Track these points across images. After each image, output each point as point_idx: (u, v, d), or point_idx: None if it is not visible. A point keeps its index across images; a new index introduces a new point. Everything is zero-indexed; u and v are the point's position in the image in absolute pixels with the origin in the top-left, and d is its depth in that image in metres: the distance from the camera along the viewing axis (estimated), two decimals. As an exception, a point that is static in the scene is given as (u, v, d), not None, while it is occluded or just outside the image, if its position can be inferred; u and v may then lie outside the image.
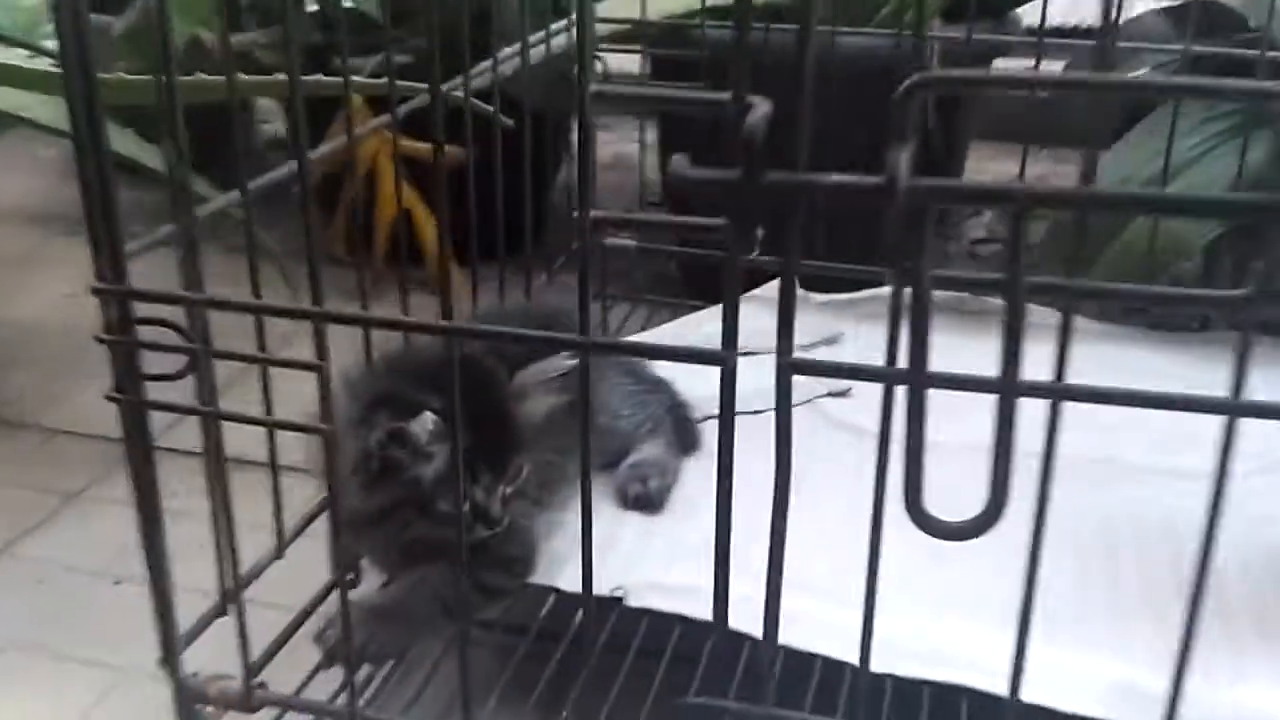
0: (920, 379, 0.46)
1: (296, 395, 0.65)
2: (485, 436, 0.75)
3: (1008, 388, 0.45)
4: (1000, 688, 0.56)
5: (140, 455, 0.63)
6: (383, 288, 1.09)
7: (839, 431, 1.04)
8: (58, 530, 1.10)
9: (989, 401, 0.46)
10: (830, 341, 1.20)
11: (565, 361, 0.80)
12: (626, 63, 1.42)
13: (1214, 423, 0.47)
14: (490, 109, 1.03)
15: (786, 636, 0.61)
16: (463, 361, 0.77)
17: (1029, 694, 0.57)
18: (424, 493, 0.74)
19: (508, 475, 0.77)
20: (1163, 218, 1.08)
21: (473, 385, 0.75)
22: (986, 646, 0.74)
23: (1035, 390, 0.46)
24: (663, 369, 1.03)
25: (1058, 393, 0.48)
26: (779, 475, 0.54)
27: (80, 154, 0.58)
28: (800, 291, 1.29)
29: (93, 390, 1.27)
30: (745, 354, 1.14)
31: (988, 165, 1.91)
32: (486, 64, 1.03)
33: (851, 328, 1.22)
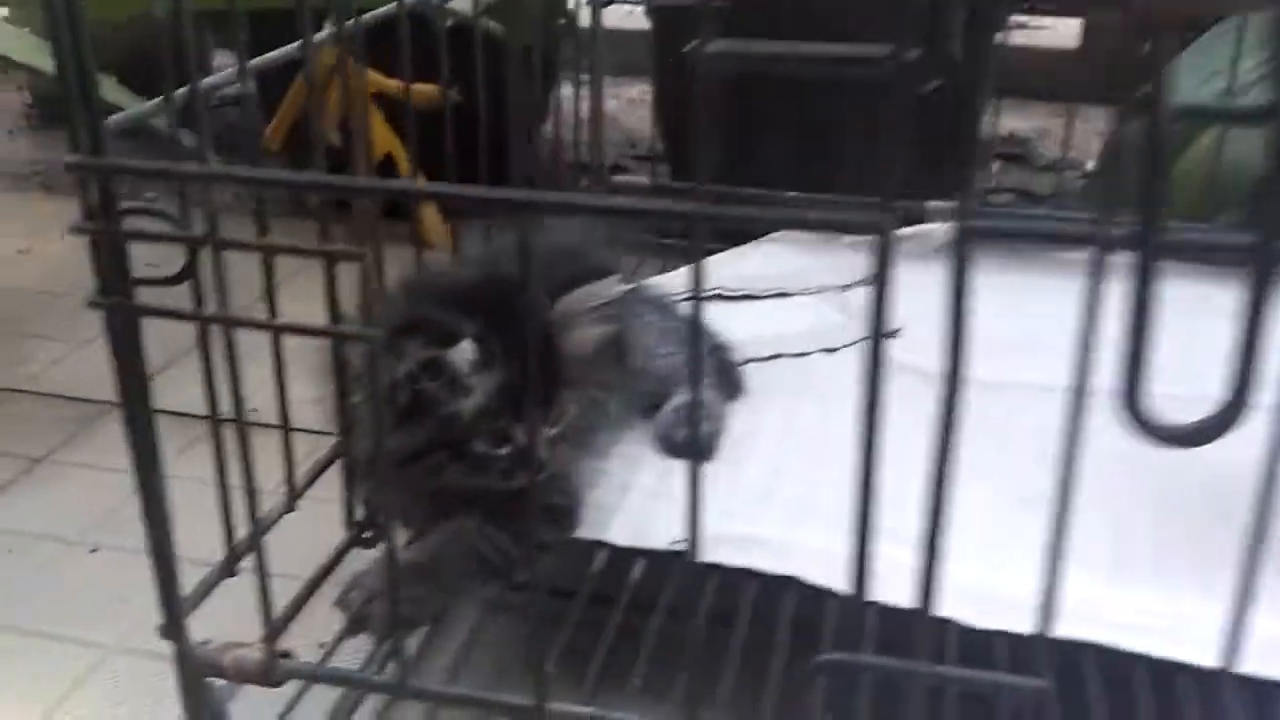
0: (1154, 242, 0.37)
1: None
2: (528, 370, 0.65)
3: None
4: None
5: (132, 375, 0.52)
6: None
7: (898, 374, 0.95)
8: (24, 497, 0.98)
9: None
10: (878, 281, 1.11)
11: (612, 288, 0.70)
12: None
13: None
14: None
15: (891, 594, 0.52)
16: (501, 285, 0.68)
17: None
18: (460, 432, 0.64)
19: (553, 414, 0.67)
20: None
21: (513, 312, 0.65)
22: (1110, 599, 0.66)
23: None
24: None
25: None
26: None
27: (55, 23, 0.48)
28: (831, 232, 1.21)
29: (53, 350, 1.15)
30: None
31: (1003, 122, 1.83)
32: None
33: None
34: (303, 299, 0.59)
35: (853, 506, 0.46)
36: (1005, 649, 0.61)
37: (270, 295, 0.60)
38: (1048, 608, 0.46)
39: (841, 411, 0.48)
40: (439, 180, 0.62)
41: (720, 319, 0.94)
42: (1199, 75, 1.10)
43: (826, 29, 0.52)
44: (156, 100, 0.57)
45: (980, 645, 0.61)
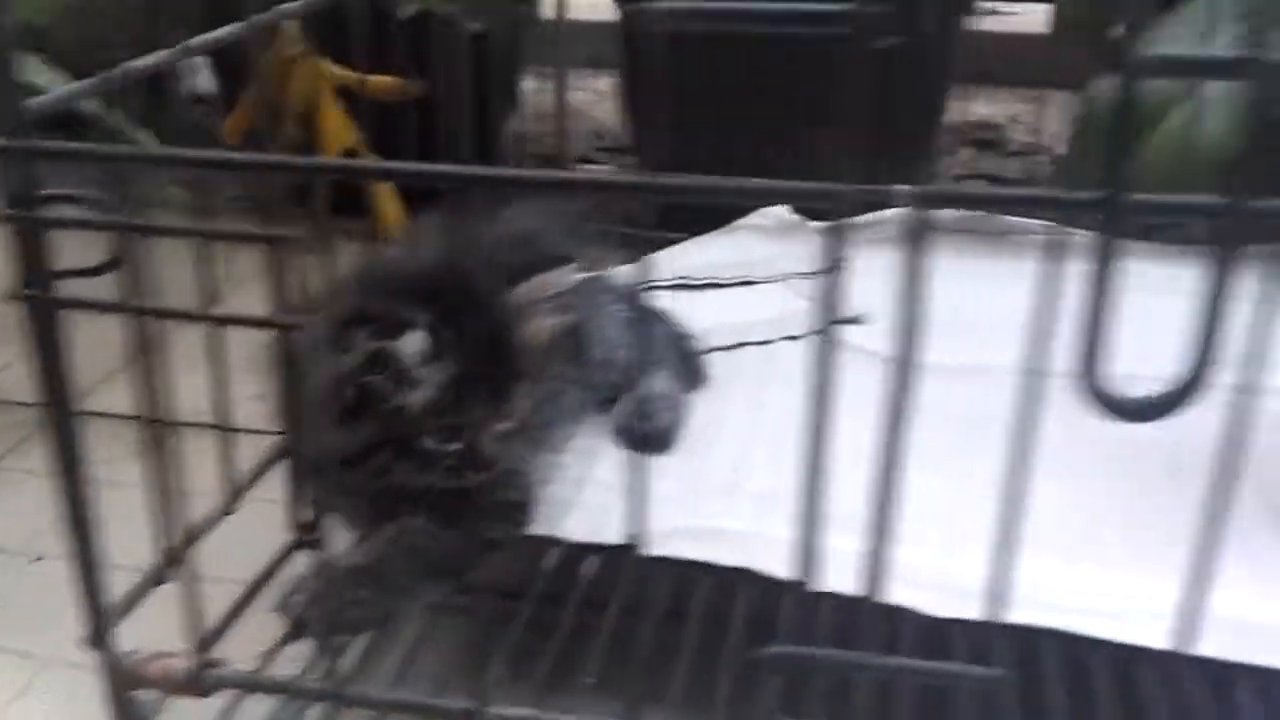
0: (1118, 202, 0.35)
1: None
2: (481, 362, 0.62)
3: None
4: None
5: (53, 372, 0.49)
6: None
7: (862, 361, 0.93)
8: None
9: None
10: (834, 268, 1.09)
11: (570, 276, 0.68)
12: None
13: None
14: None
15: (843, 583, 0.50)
16: (456, 273, 0.66)
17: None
18: (408, 427, 0.61)
19: (506, 408, 0.65)
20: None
21: (467, 301, 0.63)
22: (1069, 584, 0.64)
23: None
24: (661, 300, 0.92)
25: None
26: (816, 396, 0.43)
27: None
28: (796, 218, 1.19)
29: (3, 354, 1.12)
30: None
31: (967, 108, 1.82)
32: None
33: (853, 253, 1.12)
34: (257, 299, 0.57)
35: (800, 494, 0.44)
36: (965, 638, 0.59)
37: (208, 286, 0.57)
38: (999, 593, 0.44)
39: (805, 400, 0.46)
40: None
41: (684, 308, 0.92)
42: (1180, 46, 1.09)
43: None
44: (86, 82, 0.54)
45: (941, 634, 0.59)
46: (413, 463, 0.62)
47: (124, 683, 0.52)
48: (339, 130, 1.28)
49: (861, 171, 0.43)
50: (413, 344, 0.59)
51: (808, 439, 0.45)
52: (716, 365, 0.89)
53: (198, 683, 0.51)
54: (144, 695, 0.53)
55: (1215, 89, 1.02)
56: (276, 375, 0.61)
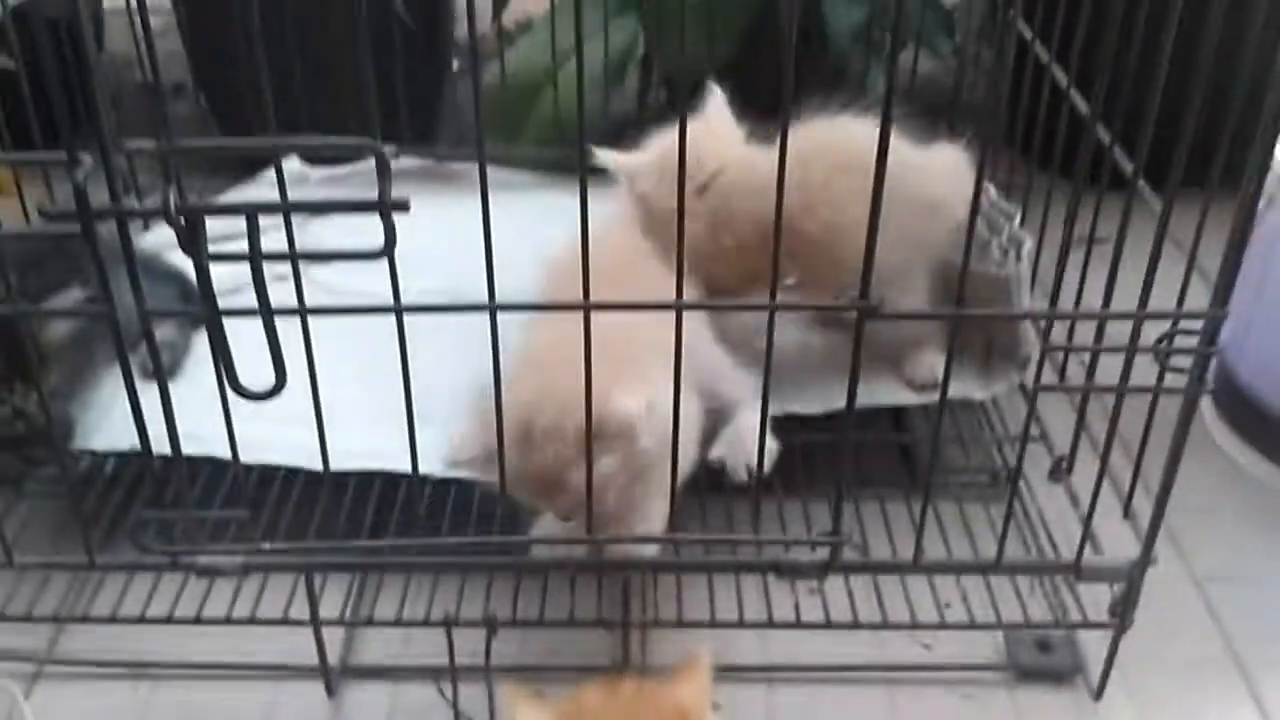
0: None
1: None
2: (17, 355, 1.03)
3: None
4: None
5: None
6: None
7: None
8: None
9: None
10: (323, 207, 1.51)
11: (75, 293, 1.09)
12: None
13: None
14: None
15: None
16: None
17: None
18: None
19: (37, 383, 1.06)
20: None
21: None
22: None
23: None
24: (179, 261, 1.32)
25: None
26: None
27: None
28: (302, 168, 1.59)
29: None
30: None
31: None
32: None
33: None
34: None
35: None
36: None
37: None
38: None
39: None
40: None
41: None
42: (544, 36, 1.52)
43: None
44: None
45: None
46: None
47: None
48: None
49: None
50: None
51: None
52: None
53: None
54: None
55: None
56: None
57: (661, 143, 1.17)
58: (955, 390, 1.21)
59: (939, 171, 1.13)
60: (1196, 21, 0.78)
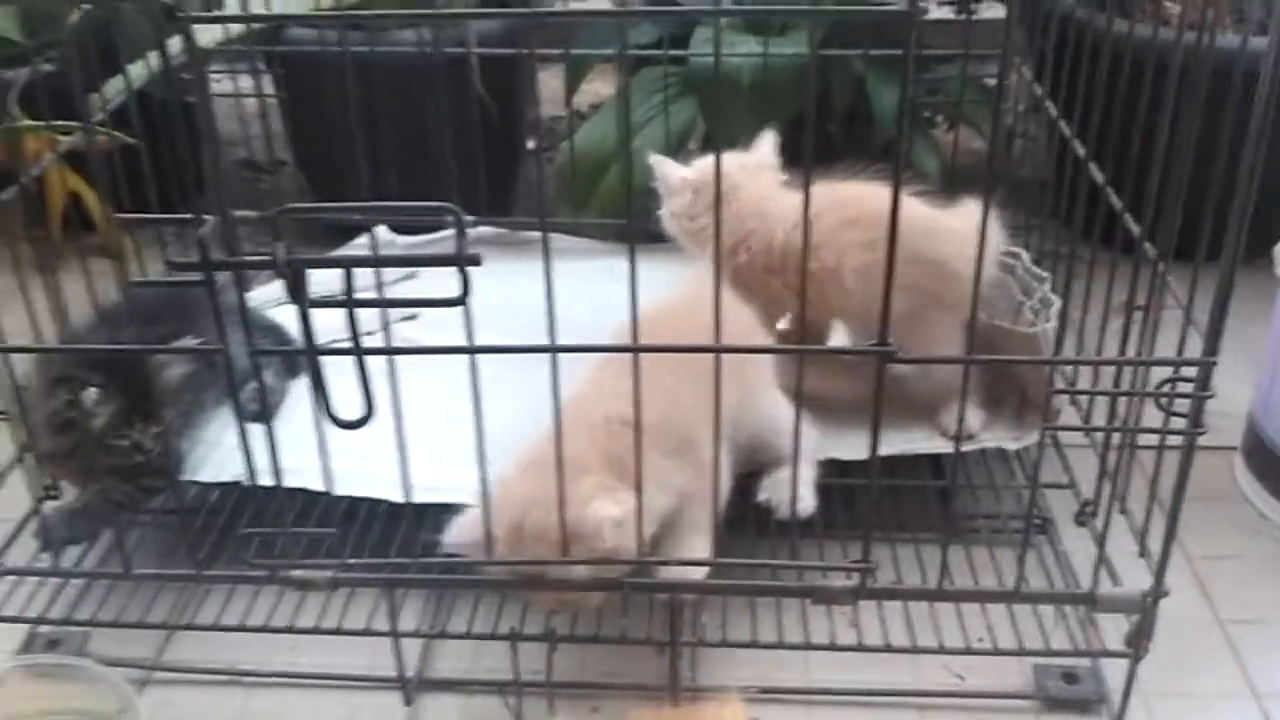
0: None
1: None
2: (138, 396, 1.17)
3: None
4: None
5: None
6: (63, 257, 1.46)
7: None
8: None
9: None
10: (410, 276, 1.65)
11: (189, 342, 1.22)
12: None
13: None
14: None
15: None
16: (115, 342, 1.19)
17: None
18: (96, 436, 1.16)
19: (155, 421, 1.19)
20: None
21: (128, 364, 1.17)
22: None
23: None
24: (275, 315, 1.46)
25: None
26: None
27: None
28: (389, 236, 1.73)
29: None
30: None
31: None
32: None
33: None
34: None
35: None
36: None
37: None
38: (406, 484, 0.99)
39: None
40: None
41: (289, 319, 1.46)
42: (610, 119, 1.66)
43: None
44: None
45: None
46: (104, 452, 1.17)
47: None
48: (58, 182, 1.76)
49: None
50: (90, 396, 1.13)
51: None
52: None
53: (-8, 574, 1.06)
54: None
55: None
56: (11, 399, 1.14)
57: (703, 163, 1.31)
58: (989, 440, 1.31)
59: (949, 232, 1.23)
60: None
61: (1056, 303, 1.32)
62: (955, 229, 1.23)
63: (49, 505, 1.23)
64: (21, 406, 1.14)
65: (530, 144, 2.02)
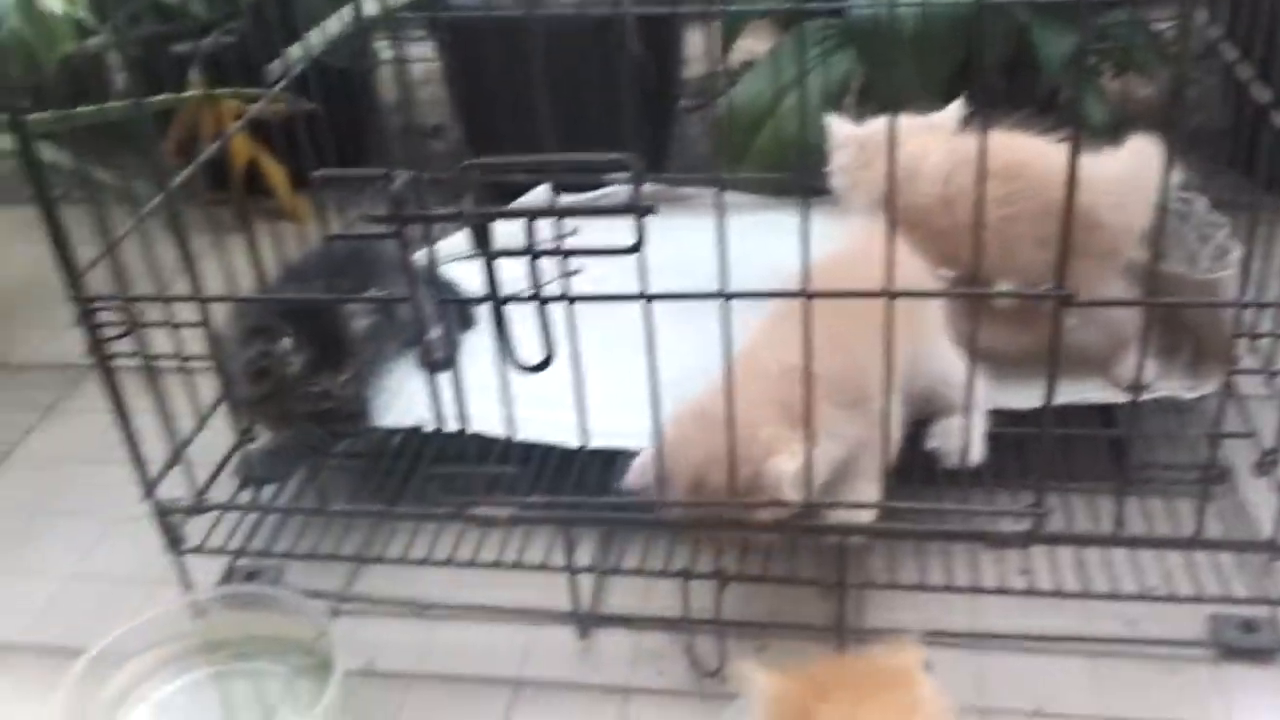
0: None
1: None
2: (327, 345, 1.24)
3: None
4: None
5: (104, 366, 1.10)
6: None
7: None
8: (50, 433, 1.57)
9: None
10: (573, 233, 1.69)
11: (377, 294, 1.29)
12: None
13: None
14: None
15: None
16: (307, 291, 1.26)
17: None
18: (289, 383, 1.23)
19: (343, 370, 1.26)
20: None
21: (317, 315, 1.24)
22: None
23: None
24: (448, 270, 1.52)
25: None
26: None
27: None
28: (549, 193, 1.77)
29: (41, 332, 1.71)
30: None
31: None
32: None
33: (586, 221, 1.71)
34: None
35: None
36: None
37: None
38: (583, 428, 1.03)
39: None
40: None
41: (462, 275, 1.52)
42: (775, 66, 1.67)
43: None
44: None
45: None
46: (296, 399, 1.24)
47: (163, 511, 1.15)
48: (241, 148, 1.85)
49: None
50: (284, 346, 1.20)
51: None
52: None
53: (198, 507, 1.14)
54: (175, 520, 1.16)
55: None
56: (213, 351, 1.22)
57: (874, 122, 1.34)
58: (1164, 390, 1.28)
59: (1090, 181, 1.20)
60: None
61: (1235, 250, 1.28)
62: (1099, 177, 1.20)
63: (248, 447, 1.31)
64: (220, 355, 1.21)
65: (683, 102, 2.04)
